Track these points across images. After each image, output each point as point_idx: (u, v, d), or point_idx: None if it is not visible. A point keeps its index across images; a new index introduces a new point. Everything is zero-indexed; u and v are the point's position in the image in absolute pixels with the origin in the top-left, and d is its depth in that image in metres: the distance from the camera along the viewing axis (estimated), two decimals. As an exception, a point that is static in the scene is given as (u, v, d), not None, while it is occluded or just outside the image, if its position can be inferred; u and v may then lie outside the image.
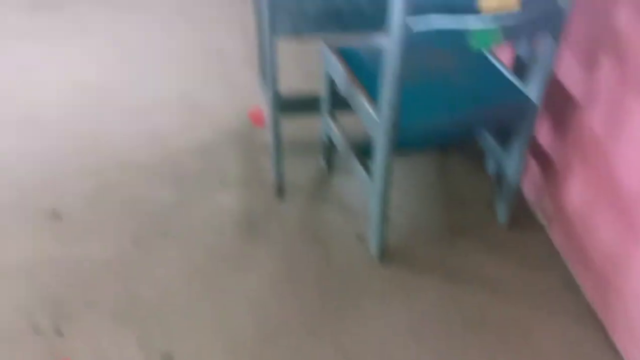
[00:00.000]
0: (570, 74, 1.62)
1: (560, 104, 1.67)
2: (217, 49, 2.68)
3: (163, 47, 2.67)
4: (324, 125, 1.95)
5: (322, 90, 1.88)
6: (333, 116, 1.90)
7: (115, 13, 2.90)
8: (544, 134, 1.78)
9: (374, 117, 1.49)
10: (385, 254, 1.74)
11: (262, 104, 2.24)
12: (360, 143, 1.75)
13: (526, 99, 1.55)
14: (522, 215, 1.89)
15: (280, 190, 1.93)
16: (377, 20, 1.54)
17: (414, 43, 1.28)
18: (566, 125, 1.66)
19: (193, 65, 2.57)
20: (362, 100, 1.55)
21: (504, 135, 1.71)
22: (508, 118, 1.60)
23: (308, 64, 2.51)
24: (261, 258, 1.73)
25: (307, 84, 2.40)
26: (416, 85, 1.54)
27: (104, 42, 2.70)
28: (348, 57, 1.69)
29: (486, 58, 1.70)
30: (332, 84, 1.80)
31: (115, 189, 1.96)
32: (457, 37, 1.32)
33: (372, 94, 1.53)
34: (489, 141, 1.82)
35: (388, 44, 1.31)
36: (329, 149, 2.00)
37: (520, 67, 1.68)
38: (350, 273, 1.69)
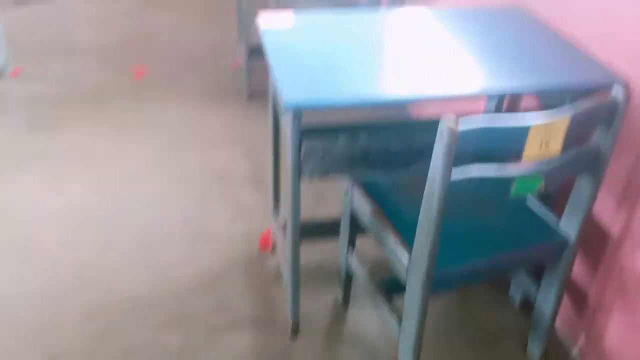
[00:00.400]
0: (607, 211, 1.57)
1: (597, 241, 1.61)
2: (222, 169, 2.62)
3: (166, 169, 2.61)
4: (341, 258, 1.86)
5: (341, 223, 1.81)
6: (352, 248, 1.82)
7: (116, 134, 2.86)
8: (577, 268, 1.71)
9: (405, 261, 1.41)
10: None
11: (272, 229, 2.16)
12: (385, 280, 1.66)
13: (564, 239, 1.49)
14: (553, 350, 1.78)
15: (296, 330, 1.81)
16: (405, 159, 1.50)
17: (453, 191, 1.23)
18: (603, 262, 1.59)
19: (197, 187, 2.50)
20: (391, 242, 1.47)
21: (538, 270, 1.63)
22: (545, 258, 1.53)
23: (318, 184, 2.46)
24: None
25: (319, 206, 2.34)
26: (450, 226, 1.47)
27: (105, 164, 2.63)
28: (373, 191, 1.63)
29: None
30: (352, 217, 1.73)
31: (118, 334, 1.81)
32: (499, 186, 1.26)
33: (401, 231, 1.46)
34: (520, 275, 1.74)
35: (426, 193, 1.25)
36: (346, 282, 1.90)
37: (552, 199, 1.63)
38: None
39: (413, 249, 1.36)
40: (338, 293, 1.96)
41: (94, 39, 3.83)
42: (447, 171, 1.19)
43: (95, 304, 1.91)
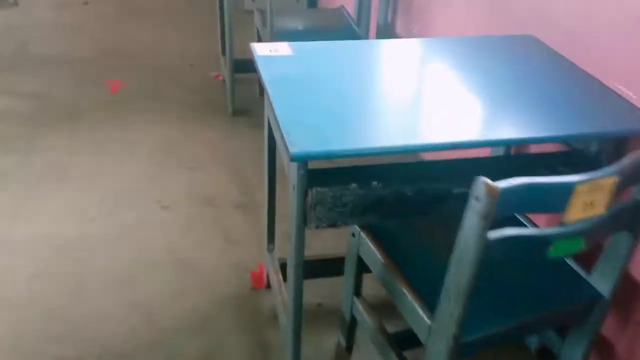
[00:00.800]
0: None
1: (628, 292, 1.48)
2: (208, 194, 2.44)
3: (148, 193, 2.42)
4: (346, 301, 1.70)
5: (345, 266, 1.65)
6: (358, 292, 1.66)
7: (92, 153, 2.65)
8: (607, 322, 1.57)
9: (426, 323, 1.26)
10: None
11: (265, 265, 1.99)
12: (399, 335, 1.51)
13: (595, 296, 1.35)
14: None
15: (297, 383, 1.65)
16: (421, 205, 1.35)
17: (487, 255, 1.08)
18: (634, 315, 1.47)
19: (182, 214, 2.32)
20: (408, 299, 1.32)
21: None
22: (575, 315, 1.39)
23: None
24: None
25: (314, 239, 2.18)
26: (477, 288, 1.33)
27: (80, 187, 2.43)
28: (382, 235, 1.48)
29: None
30: (359, 260, 1.57)
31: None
32: (535, 247, 1.12)
33: (418, 286, 1.31)
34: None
35: (455, 257, 1.10)
36: (350, 326, 1.74)
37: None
38: None
39: (437, 312, 1.21)
40: (340, 337, 1.81)
41: (65, 49, 3.60)
42: (484, 235, 1.04)
43: (71, 356, 1.72)
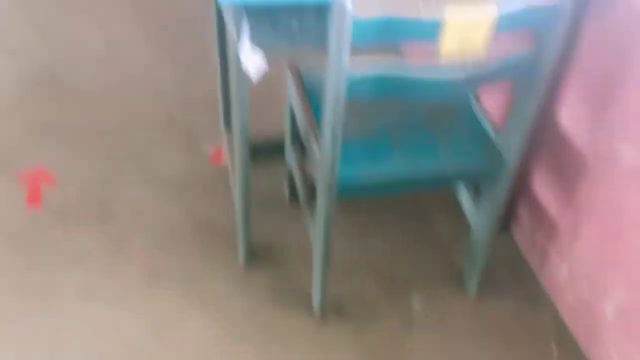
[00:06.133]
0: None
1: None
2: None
3: None
4: (287, 152, 1.77)
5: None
6: (296, 150, 1.72)
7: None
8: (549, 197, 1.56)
9: (316, 155, 1.31)
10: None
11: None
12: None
13: (500, 160, 1.33)
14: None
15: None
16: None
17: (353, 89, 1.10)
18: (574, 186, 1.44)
19: None
20: (311, 136, 1.36)
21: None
22: (478, 176, 1.39)
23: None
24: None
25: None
26: (367, 128, 1.35)
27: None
28: (310, 85, 1.51)
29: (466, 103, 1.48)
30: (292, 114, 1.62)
31: None
32: (404, 87, 1.12)
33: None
34: (462, 194, 1.60)
35: (326, 92, 1.13)
36: (289, 176, 1.82)
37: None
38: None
39: (319, 146, 1.25)
40: (285, 189, 1.88)
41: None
42: (342, 59, 1.05)
43: None
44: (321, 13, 1.18)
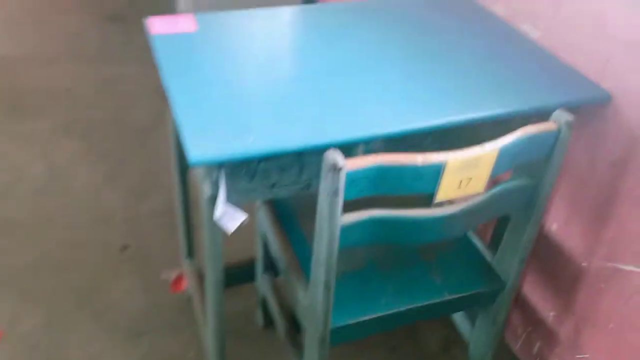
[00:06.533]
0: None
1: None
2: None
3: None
4: (258, 279, 1.63)
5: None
6: (268, 270, 1.58)
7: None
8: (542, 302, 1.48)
9: (303, 301, 1.17)
10: None
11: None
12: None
13: (499, 283, 1.25)
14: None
15: None
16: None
17: (345, 239, 0.99)
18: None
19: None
20: (292, 275, 1.23)
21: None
22: (477, 302, 1.29)
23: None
24: None
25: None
26: (353, 267, 1.24)
27: None
28: (283, 212, 1.39)
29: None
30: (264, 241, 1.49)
31: None
32: (403, 233, 1.02)
33: (307, 269, 1.22)
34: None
35: (316, 238, 1.01)
36: (262, 304, 1.67)
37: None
38: None
39: (308, 296, 1.13)
40: (258, 316, 1.73)
41: None
42: (334, 217, 0.94)
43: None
44: (302, 158, 1.08)
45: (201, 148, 0.97)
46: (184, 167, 1.56)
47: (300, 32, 1.39)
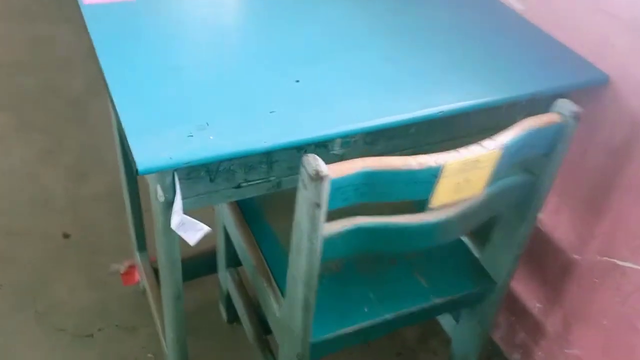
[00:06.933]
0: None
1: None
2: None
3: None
4: (221, 274, 1.48)
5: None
6: (231, 265, 1.44)
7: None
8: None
9: (276, 312, 1.04)
10: None
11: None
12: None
13: (489, 282, 1.14)
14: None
15: None
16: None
17: (328, 249, 0.85)
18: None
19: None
20: (262, 281, 1.09)
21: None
22: (461, 303, 1.18)
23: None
24: None
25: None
26: (329, 271, 1.11)
27: None
28: (247, 205, 1.23)
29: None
30: (227, 235, 1.33)
31: None
32: (390, 241, 0.89)
33: (278, 274, 1.08)
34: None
35: (293, 249, 0.87)
36: (227, 299, 1.53)
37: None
38: None
39: (283, 309, 0.99)
40: (221, 311, 1.59)
41: None
42: (315, 227, 0.80)
43: None
44: (270, 156, 0.92)
45: (150, 151, 0.80)
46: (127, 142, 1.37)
47: (260, 7, 1.20)
